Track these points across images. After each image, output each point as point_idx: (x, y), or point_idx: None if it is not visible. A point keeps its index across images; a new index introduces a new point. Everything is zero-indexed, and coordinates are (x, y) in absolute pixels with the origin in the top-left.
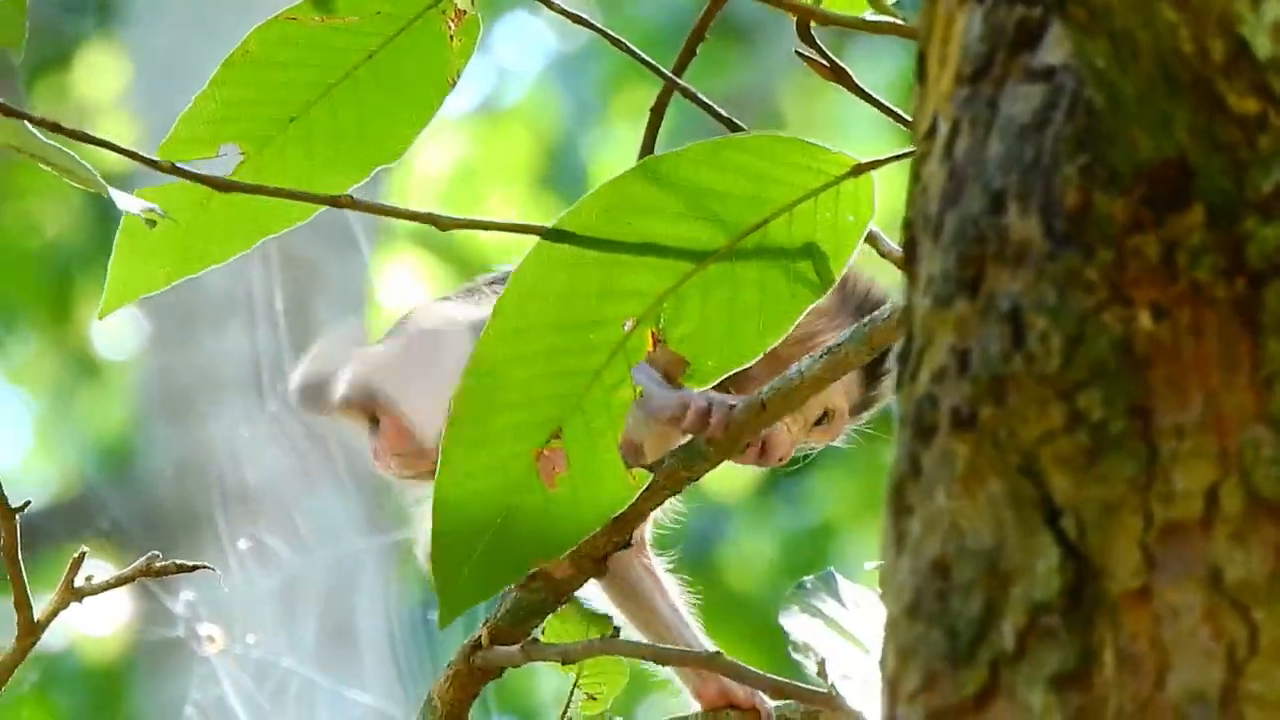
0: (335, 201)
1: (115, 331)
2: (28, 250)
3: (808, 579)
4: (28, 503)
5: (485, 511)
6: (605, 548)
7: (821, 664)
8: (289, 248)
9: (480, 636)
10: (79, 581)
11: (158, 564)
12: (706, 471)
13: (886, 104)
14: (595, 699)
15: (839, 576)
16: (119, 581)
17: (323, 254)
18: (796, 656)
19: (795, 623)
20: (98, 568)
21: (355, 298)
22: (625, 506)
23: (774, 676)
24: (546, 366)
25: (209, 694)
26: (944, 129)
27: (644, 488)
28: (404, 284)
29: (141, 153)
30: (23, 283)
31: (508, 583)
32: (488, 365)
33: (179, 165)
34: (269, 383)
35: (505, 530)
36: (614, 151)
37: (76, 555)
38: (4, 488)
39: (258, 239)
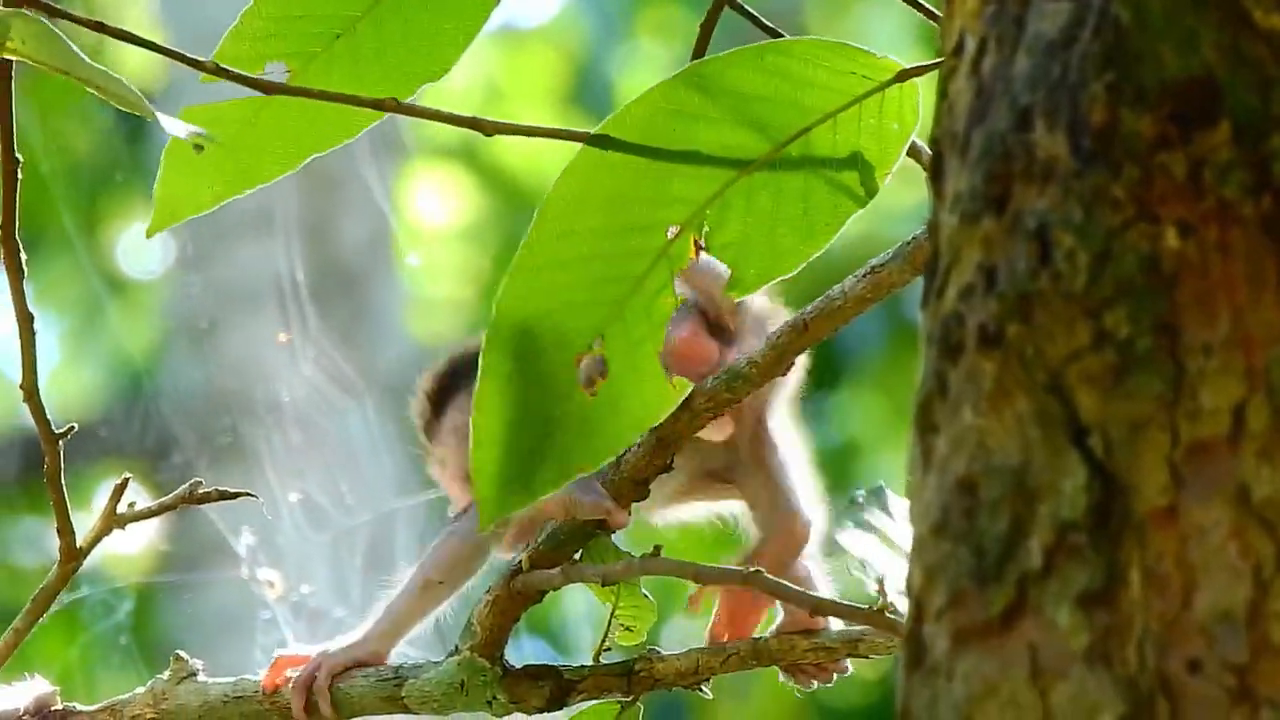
0: (380, 105)
1: (142, 250)
2: (54, 169)
3: (859, 493)
4: (72, 427)
5: (525, 418)
6: (647, 470)
7: (880, 582)
8: (313, 163)
9: (520, 562)
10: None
11: (199, 490)
12: (749, 392)
13: (921, 2)
14: (631, 630)
15: (889, 490)
16: (161, 509)
17: (348, 170)
18: (855, 573)
19: (851, 538)
20: (128, 492)
21: (380, 214)
22: (665, 416)
23: (813, 594)
24: (588, 273)
25: (271, 639)
26: (971, 46)
27: (687, 409)
28: (430, 199)
29: (178, 64)
30: (49, 201)
31: (547, 490)
32: (529, 271)
33: (223, 67)
34: (295, 301)
35: (545, 437)
36: (641, 70)
37: (119, 482)
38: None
39: (304, 157)
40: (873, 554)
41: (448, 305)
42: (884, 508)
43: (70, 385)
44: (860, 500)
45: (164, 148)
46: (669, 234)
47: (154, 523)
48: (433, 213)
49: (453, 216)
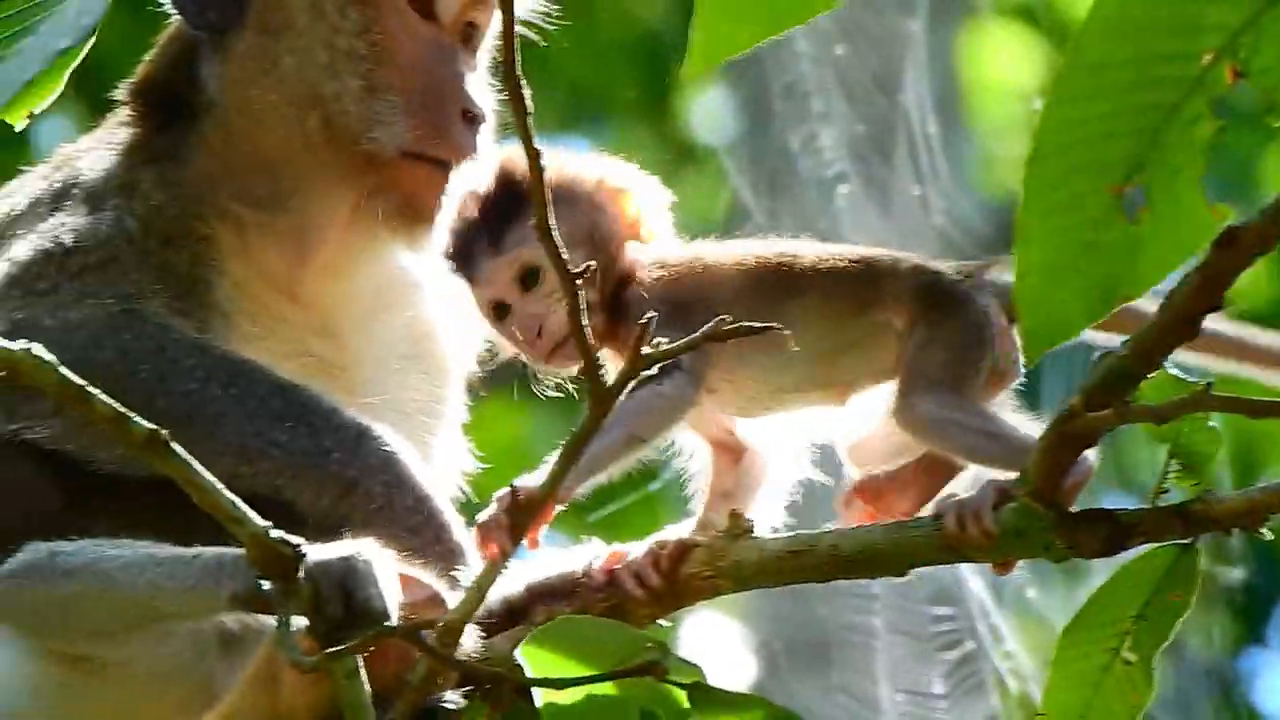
0: None
1: (712, 117)
2: (623, 40)
3: None
4: (589, 266)
5: (1065, 248)
6: (1197, 307)
7: None
8: (869, 23)
9: (1072, 405)
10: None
11: (725, 327)
12: None
13: None
14: (1190, 469)
15: None
16: (686, 346)
17: (908, 28)
18: None
19: None
20: None
21: (943, 72)
22: (1207, 245)
23: None
24: (1124, 102)
25: None
26: None
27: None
28: (992, 58)
29: None
30: (621, 73)
31: (1092, 320)
32: (1066, 102)
33: None
34: (869, 157)
35: (1086, 266)
36: None
37: (644, 321)
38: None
39: None
40: None
41: (1016, 163)
42: None
43: None
44: None
45: None
46: (1204, 61)
47: None
48: (1000, 70)
49: (1018, 74)
